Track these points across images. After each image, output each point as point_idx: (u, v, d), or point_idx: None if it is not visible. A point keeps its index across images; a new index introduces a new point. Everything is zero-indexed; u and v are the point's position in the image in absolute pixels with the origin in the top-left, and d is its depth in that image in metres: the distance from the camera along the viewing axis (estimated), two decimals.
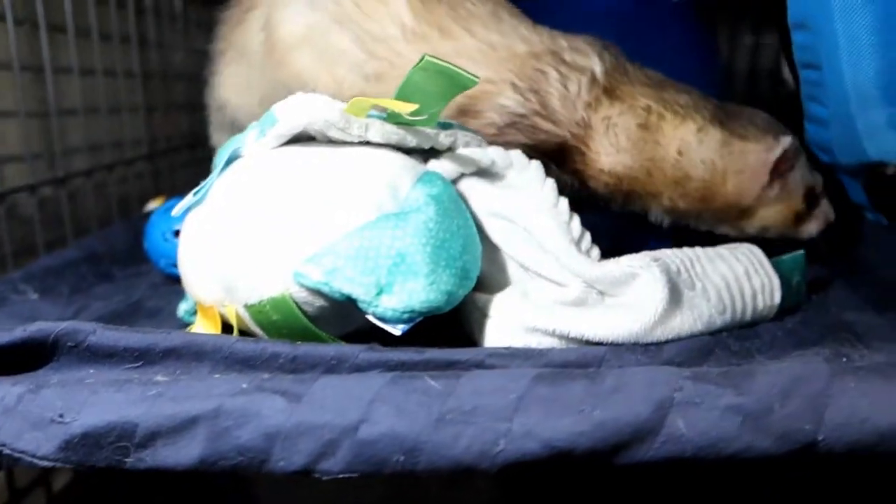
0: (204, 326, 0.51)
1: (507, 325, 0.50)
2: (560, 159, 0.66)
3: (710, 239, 0.59)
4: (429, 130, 0.53)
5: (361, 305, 0.45)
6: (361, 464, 0.37)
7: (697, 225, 0.67)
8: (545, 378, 0.38)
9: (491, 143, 0.59)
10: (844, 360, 0.45)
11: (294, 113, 0.50)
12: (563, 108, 0.64)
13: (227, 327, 0.50)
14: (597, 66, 0.64)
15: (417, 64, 0.49)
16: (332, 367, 0.44)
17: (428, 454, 0.37)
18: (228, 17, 0.76)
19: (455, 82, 0.50)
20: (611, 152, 0.64)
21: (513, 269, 0.54)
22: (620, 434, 0.36)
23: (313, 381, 0.39)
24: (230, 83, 0.76)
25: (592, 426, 0.36)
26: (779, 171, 0.63)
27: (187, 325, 0.57)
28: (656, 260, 0.49)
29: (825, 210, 0.67)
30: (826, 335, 0.51)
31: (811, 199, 0.66)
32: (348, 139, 0.51)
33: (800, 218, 0.66)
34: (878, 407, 0.36)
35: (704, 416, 0.36)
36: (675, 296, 0.49)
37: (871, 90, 0.53)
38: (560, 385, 0.38)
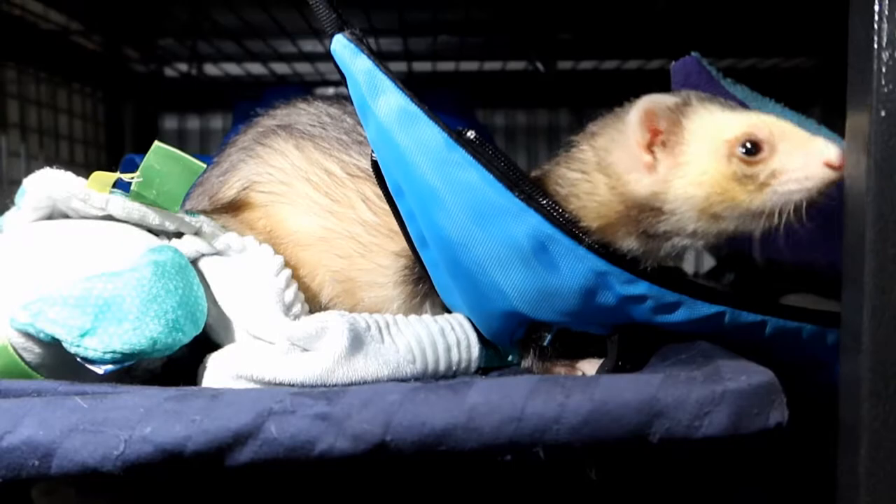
0: None
1: (218, 372, 0.57)
2: None
3: None
4: (174, 214, 0.62)
5: (66, 346, 0.52)
6: (2, 469, 0.43)
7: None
8: (174, 397, 0.45)
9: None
10: None
11: (40, 183, 0.59)
12: None
13: None
14: None
15: (150, 149, 0.59)
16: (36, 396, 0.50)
17: (59, 459, 0.42)
18: None
19: (186, 166, 0.60)
20: None
21: (240, 334, 0.61)
22: (221, 438, 0.42)
23: None
24: None
25: (198, 432, 0.42)
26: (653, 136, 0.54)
27: None
28: (344, 315, 0.57)
29: (794, 162, 0.51)
30: None
31: (753, 148, 0.52)
32: (91, 211, 0.60)
33: (746, 181, 0.52)
34: (435, 412, 0.43)
35: (296, 422, 0.43)
36: (357, 344, 0.56)
37: None
38: (184, 401, 0.44)
